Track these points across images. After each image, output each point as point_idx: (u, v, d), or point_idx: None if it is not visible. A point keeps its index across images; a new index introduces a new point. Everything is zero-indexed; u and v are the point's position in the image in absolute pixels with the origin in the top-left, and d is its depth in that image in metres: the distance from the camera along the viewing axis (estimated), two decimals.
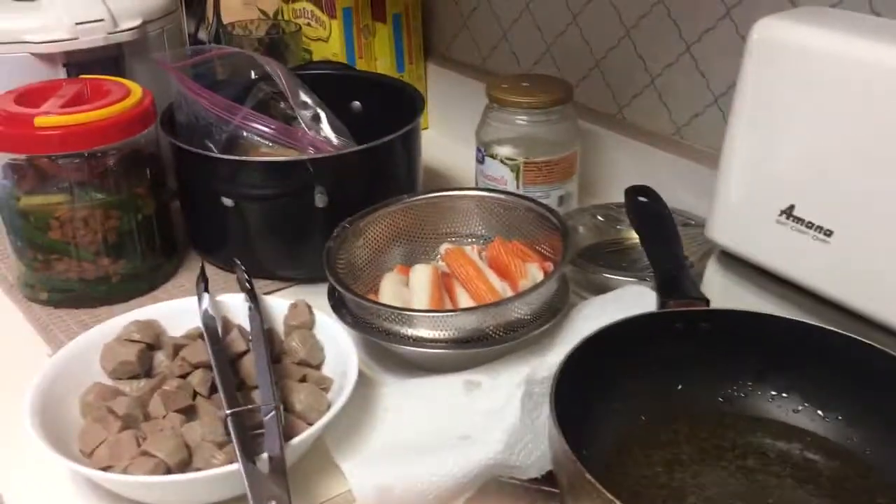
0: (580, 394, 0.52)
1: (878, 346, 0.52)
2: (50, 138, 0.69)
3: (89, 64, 0.82)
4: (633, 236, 0.78)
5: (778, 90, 0.58)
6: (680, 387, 0.57)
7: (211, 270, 0.79)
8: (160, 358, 0.63)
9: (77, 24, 0.80)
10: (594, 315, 0.64)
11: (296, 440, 0.51)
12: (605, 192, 0.87)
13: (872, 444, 0.53)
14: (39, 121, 0.68)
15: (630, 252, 0.76)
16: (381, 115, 0.85)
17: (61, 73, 0.82)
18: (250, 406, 0.52)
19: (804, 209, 0.56)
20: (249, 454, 0.48)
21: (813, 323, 0.55)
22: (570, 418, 0.48)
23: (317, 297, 0.67)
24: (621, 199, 0.81)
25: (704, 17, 0.76)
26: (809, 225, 0.56)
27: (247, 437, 0.50)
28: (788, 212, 0.57)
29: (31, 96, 0.73)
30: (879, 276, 0.53)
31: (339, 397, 0.55)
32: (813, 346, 0.55)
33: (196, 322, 0.64)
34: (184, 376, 0.60)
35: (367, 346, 0.67)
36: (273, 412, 0.51)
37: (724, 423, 0.56)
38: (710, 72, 0.77)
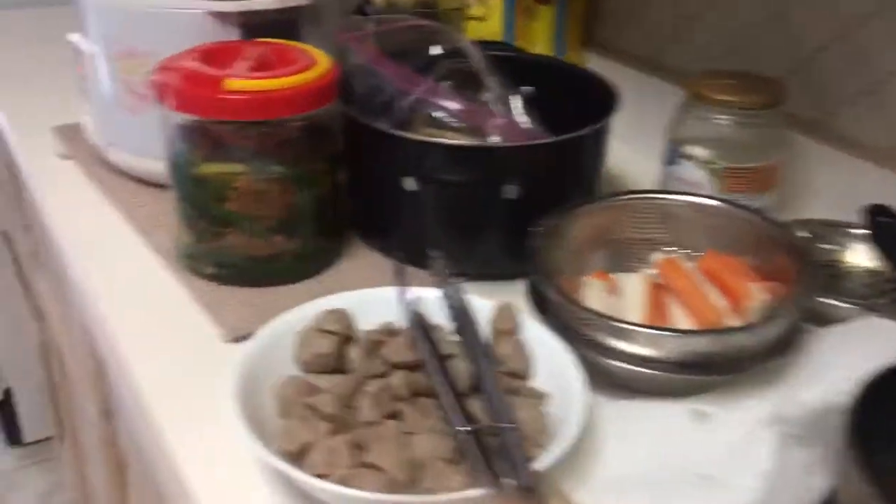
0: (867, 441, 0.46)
1: None
2: (238, 103, 0.64)
3: (263, 27, 0.76)
4: (847, 259, 0.70)
5: None
6: None
7: (374, 258, 0.74)
8: (352, 353, 0.57)
9: None
10: (837, 350, 0.57)
11: (539, 465, 0.45)
12: (804, 208, 0.80)
13: None
14: (230, 84, 0.63)
15: (850, 277, 0.68)
16: (554, 104, 0.78)
17: (234, 35, 0.77)
18: (491, 424, 0.46)
19: None
20: (496, 479, 0.42)
21: None
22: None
23: (496, 297, 0.61)
24: (824, 215, 0.74)
25: None
26: None
27: (490, 459, 0.44)
28: None
29: (213, 57, 0.68)
30: None
31: (570, 419, 0.49)
32: None
33: (385, 316, 0.59)
34: (380, 376, 0.55)
35: None
36: (514, 432, 0.45)
37: None
38: None
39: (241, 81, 0.64)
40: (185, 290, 0.69)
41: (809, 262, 0.59)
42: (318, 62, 0.69)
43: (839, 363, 0.53)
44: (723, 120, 0.74)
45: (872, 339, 0.56)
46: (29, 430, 1.78)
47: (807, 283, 0.57)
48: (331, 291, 0.68)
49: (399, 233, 0.73)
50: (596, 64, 1.05)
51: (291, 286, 0.70)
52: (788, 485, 0.48)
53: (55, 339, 1.16)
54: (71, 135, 0.92)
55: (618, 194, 0.68)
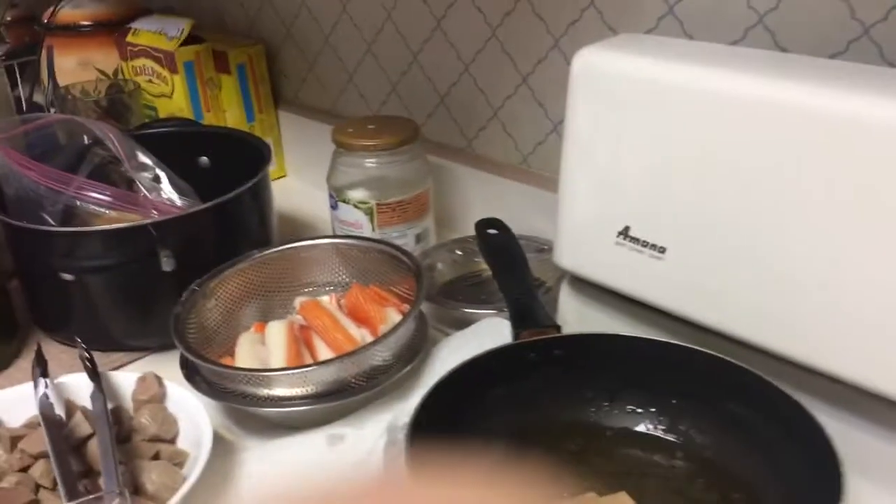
0: (438, 437, 0.52)
1: (734, 361, 0.54)
2: None
3: None
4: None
5: (602, 117, 0.60)
6: (542, 413, 0.58)
7: (57, 349, 0.75)
8: None
9: None
10: (454, 353, 0.64)
11: None
12: (462, 226, 0.88)
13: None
14: None
15: (488, 284, 0.76)
16: (231, 169, 0.83)
17: None
18: (93, 496, 0.49)
19: (638, 229, 0.58)
20: None
21: (661, 339, 0.57)
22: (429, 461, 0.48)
23: (173, 366, 0.64)
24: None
25: (535, 48, 0.78)
26: (644, 244, 0.58)
27: None
28: (625, 233, 0.59)
29: None
30: (708, 287, 0.55)
31: (194, 471, 0.53)
32: (663, 360, 0.57)
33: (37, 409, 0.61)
34: (24, 469, 0.56)
35: (228, 411, 0.65)
36: (117, 499, 0.48)
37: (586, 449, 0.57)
38: (546, 101, 0.80)
39: None
40: None
41: (422, 282, 0.66)
42: None
43: (449, 366, 0.60)
44: (367, 163, 0.80)
45: (480, 338, 0.64)
46: None
47: (418, 300, 0.64)
48: None
49: (70, 322, 0.74)
50: (287, 121, 1.11)
51: None
52: None
53: None
54: None
55: (268, 249, 0.72)
